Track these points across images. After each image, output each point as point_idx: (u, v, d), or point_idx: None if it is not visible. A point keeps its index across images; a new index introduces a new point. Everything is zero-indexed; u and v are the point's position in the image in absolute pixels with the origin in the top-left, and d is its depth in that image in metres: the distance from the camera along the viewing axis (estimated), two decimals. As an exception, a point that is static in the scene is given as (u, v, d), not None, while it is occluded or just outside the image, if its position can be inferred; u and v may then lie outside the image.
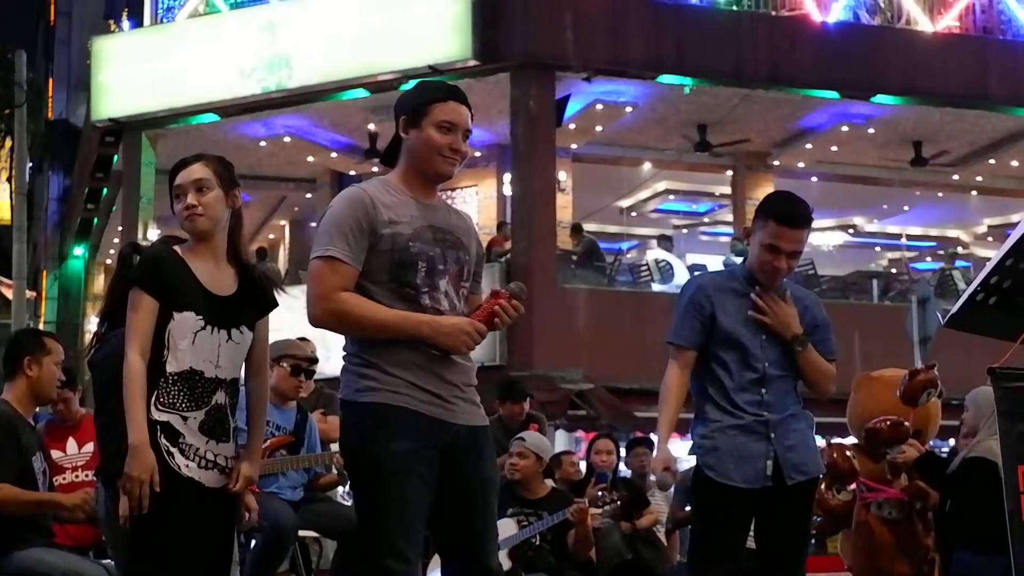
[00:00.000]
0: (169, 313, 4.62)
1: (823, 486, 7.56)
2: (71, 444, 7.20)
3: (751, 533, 5.64)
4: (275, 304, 4.92)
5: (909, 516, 7.17)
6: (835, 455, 7.28)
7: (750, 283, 5.56)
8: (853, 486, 7.37)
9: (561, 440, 17.62)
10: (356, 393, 4.44)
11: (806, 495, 5.52)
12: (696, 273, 6.33)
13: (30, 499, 6.13)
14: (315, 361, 8.17)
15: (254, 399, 4.88)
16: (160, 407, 4.58)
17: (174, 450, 4.56)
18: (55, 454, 7.00)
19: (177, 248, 4.81)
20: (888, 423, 7.03)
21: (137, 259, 5.39)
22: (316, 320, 4.46)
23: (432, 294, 4.50)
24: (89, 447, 7.02)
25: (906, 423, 7.03)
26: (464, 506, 4.48)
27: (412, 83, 20.62)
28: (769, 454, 5.39)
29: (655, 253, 21.61)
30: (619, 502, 8.68)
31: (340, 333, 4.51)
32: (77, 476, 7.02)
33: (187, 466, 4.58)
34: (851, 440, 7.89)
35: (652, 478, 6.23)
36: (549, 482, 8.61)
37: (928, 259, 27.73)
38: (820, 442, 7.26)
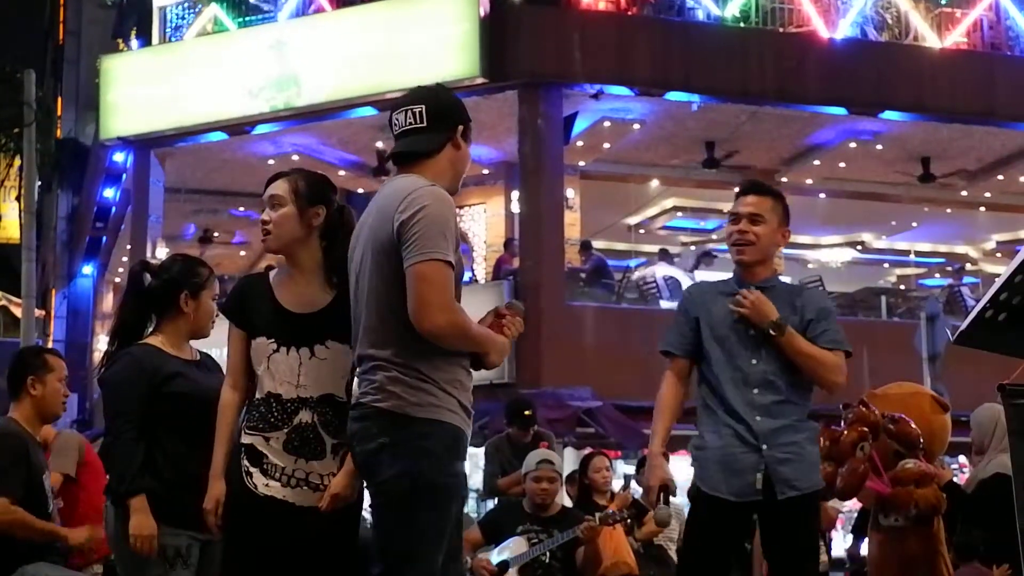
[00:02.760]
0: (249, 342, 4.72)
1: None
2: None
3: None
4: None
5: (916, 524, 7.16)
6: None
7: (738, 282, 5.52)
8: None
9: (570, 458, 17.59)
10: (412, 407, 4.24)
11: (803, 509, 5.30)
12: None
13: (37, 527, 6.13)
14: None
15: None
16: (247, 430, 4.66)
17: (254, 470, 4.60)
18: None
19: (274, 271, 4.84)
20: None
21: (147, 278, 5.44)
22: (436, 327, 4.19)
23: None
24: None
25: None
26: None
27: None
28: (759, 466, 5.23)
29: (663, 270, 21.59)
30: (629, 519, 8.69)
31: (448, 346, 4.27)
32: None
33: (267, 485, 4.58)
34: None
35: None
36: (559, 500, 8.62)
37: (937, 275, 27.70)
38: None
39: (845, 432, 6.96)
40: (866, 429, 6.99)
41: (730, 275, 5.66)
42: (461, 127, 4.55)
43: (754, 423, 5.27)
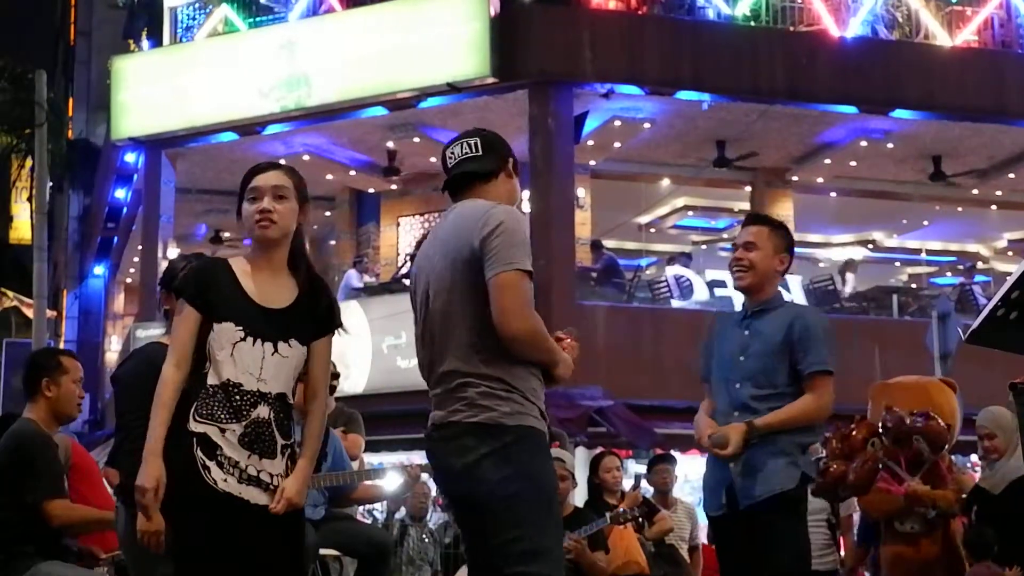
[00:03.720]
0: (210, 324, 4.58)
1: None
2: None
3: None
4: (336, 324, 4.81)
5: (932, 529, 7.16)
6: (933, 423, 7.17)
7: (743, 308, 5.97)
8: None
9: (581, 457, 17.59)
10: (505, 416, 4.47)
11: (764, 516, 5.61)
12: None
13: (99, 516, 6.19)
14: (337, 376, 8.20)
15: (307, 421, 4.76)
16: (198, 418, 4.52)
17: (211, 464, 4.49)
18: None
19: (233, 259, 4.74)
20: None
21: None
22: (517, 333, 4.44)
23: None
24: None
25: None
26: None
27: (430, 100, 20.59)
28: (725, 481, 5.68)
29: (674, 269, 21.57)
30: (639, 518, 8.69)
31: (523, 352, 4.51)
32: None
33: (224, 480, 4.49)
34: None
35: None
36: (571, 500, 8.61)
37: (948, 274, 27.64)
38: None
39: (855, 429, 7.02)
40: (875, 426, 7.03)
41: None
42: (512, 159, 4.83)
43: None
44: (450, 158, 4.83)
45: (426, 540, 11.55)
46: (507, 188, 4.79)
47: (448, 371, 4.56)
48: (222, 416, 4.53)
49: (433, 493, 11.68)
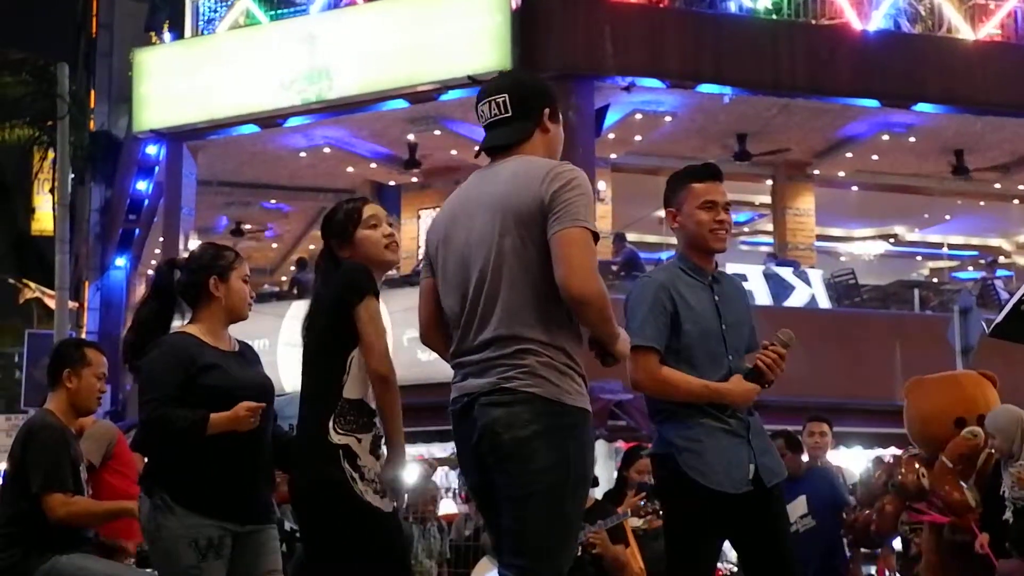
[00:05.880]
0: (356, 341, 4.77)
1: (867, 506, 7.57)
2: None
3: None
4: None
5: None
6: (908, 473, 7.24)
7: (698, 273, 5.54)
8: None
9: (601, 450, 17.59)
10: (565, 394, 4.16)
11: (777, 495, 5.41)
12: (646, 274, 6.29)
13: (103, 509, 6.19)
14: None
15: (379, 406, 4.86)
16: (339, 430, 4.72)
17: (356, 476, 4.69)
18: None
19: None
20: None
21: (177, 274, 5.42)
22: (584, 293, 4.09)
23: None
24: None
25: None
26: None
27: (451, 93, 20.58)
28: (751, 458, 5.29)
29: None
30: (660, 511, 8.66)
31: (588, 317, 4.18)
32: None
33: (365, 492, 4.71)
34: (892, 451, 7.87)
35: None
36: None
37: (970, 268, 27.57)
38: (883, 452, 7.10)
39: (876, 474, 7.15)
40: (894, 468, 7.13)
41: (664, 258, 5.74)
42: (547, 110, 4.48)
43: (746, 417, 5.34)
44: (481, 116, 4.51)
45: (433, 535, 11.57)
46: (544, 141, 4.45)
47: (500, 336, 4.20)
48: (356, 428, 4.77)
49: (455, 485, 11.67)
